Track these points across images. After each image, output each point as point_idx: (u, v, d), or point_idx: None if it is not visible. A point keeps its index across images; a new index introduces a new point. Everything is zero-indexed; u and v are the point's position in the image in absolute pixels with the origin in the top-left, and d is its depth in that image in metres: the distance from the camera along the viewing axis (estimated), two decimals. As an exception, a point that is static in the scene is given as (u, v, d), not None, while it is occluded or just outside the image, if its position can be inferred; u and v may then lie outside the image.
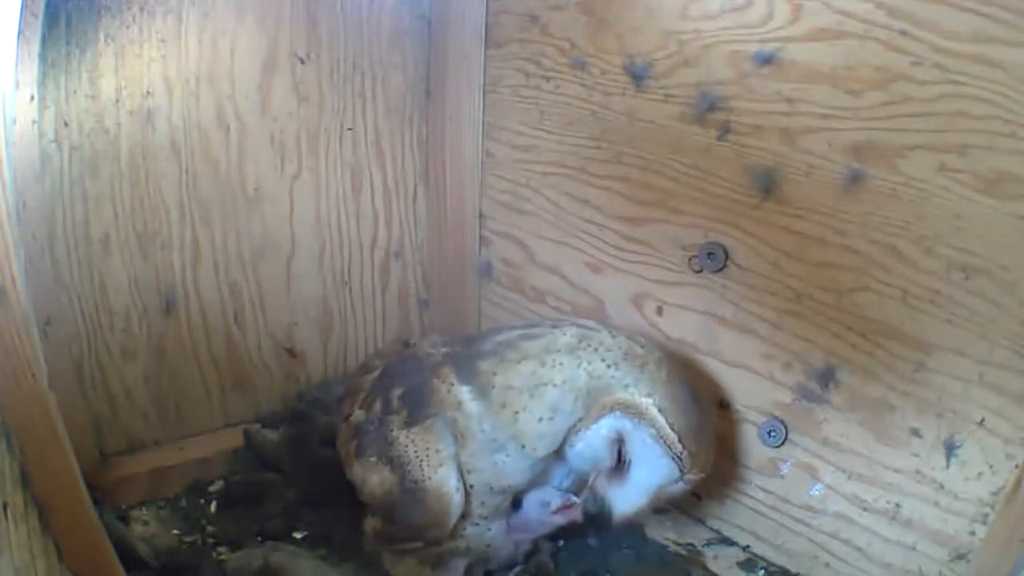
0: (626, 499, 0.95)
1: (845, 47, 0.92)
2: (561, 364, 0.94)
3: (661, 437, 0.91)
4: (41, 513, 0.84)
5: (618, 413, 0.92)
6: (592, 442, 0.94)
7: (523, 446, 0.95)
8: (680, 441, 0.91)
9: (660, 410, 0.91)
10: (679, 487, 0.95)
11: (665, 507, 1.23)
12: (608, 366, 0.94)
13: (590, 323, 1.00)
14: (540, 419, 0.94)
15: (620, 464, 0.94)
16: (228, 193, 1.26)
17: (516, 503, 1.03)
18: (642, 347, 0.96)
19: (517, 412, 0.94)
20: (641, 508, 0.96)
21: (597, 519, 1.00)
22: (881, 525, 1.00)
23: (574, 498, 1.02)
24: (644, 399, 0.92)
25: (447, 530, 0.96)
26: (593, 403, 0.93)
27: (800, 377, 1.05)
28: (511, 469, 0.96)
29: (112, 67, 1.10)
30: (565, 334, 0.97)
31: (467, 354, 1.00)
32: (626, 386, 0.93)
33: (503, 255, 1.43)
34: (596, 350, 0.95)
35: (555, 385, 0.94)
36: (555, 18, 1.24)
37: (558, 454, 0.97)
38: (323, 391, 1.40)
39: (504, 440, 0.95)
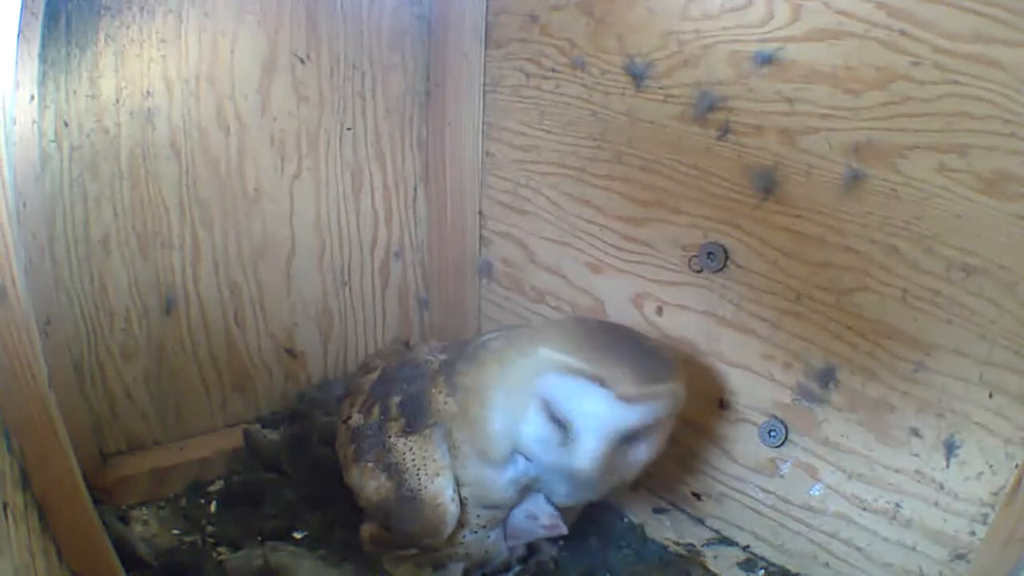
0: (584, 451, 0.88)
1: (845, 47, 0.92)
2: (491, 368, 0.94)
3: (566, 370, 0.87)
4: (41, 513, 0.84)
5: (531, 383, 0.90)
6: (530, 420, 0.90)
7: (484, 451, 0.93)
8: (587, 363, 0.86)
9: (554, 350, 0.88)
10: (627, 414, 0.87)
11: (665, 506, 1.24)
12: (518, 355, 0.92)
13: (521, 329, 1.00)
14: (486, 421, 0.93)
15: (564, 428, 0.90)
16: (228, 193, 1.26)
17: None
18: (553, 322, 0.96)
19: (471, 413, 0.94)
20: (600, 452, 0.87)
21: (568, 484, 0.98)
22: (881, 525, 1.00)
23: (559, 517, 1.00)
24: (543, 350, 0.89)
25: (443, 539, 0.96)
26: (516, 393, 0.91)
27: (800, 377, 1.05)
28: (493, 485, 0.95)
29: (112, 67, 1.11)
30: (498, 339, 0.98)
31: (453, 362, 1.00)
32: (526, 357, 0.91)
33: (503, 255, 1.43)
34: (512, 346, 0.94)
35: (491, 388, 0.93)
36: (555, 18, 1.24)
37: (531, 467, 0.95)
38: (323, 391, 1.40)
39: (478, 452, 0.94)
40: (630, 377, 0.86)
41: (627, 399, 0.86)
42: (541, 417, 0.89)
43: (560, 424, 0.88)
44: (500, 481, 0.95)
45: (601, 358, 0.87)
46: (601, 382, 0.85)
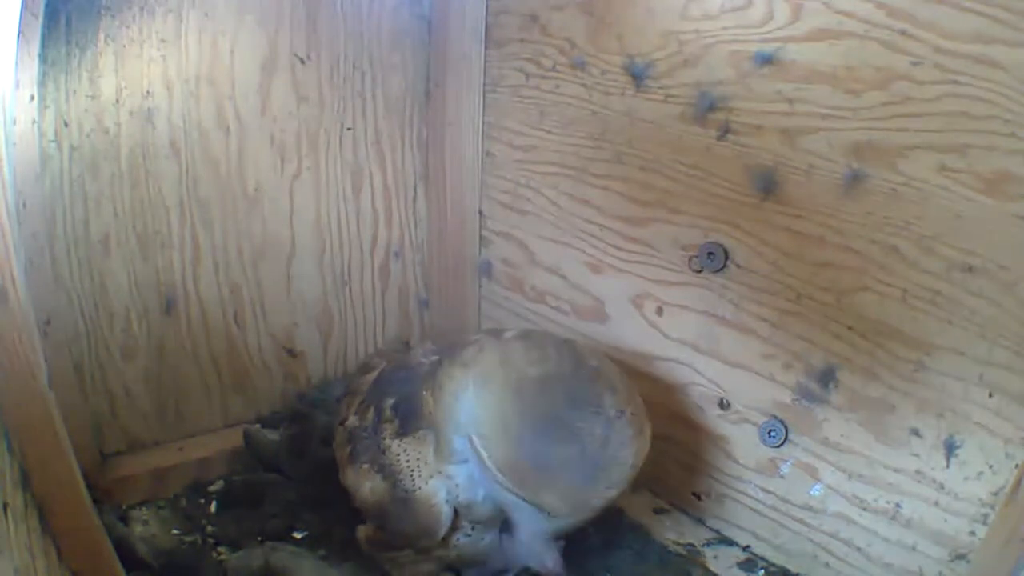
0: (520, 539, 0.95)
1: (845, 47, 0.92)
2: (452, 379, 0.94)
3: (494, 479, 0.88)
4: (41, 513, 0.84)
5: (467, 442, 0.91)
6: (475, 464, 0.93)
7: (439, 449, 0.94)
8: (511, 481, 0.86)
9: (485, 446, 0.88)
10: (563, 523, 0.92)
11: (665, 506, 1.24)
12: (465, 388, 0.92)
13: (508, 334, 0.98)
14: (442, 426, 0.94)
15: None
16: (228, 193, 1.26)
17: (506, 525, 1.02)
18: (503, 364, 0.92)
19: (436, 408, 0.95)
20: (540, 542, 0.94)
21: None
22: (881, 525, 1.00)
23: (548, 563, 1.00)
24: (474, 434, 0.89)
25: (437, 540, 0.96)
26: (462, 427, 0.92)
27: (800, 377, 1.05)
28: (465, 485, 0.94)
29: (112, 67, 1.11)
30: (469, 352, 0.96)
31: (439, 363, 1.00)
32: (469, 418, 0.91)
33: (503, 255, 1.43)
34: (468, 369, 0.93)
35: (445, 400, 0.94)
36: (555, 18, 1.24)
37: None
38: (323, 391, 1.40)
39: (435, 449, 0.95)
40: (564, 501, 0.87)
41: (561, 516, 0.89)
42: (485, 480, 0.92)
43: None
44: (475, 486, 0.95)
45: (530, 474, 0.86)
46: (535, 504, 0.87)
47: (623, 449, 0.89)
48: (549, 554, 0.97)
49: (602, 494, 0.87)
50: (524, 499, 0.87)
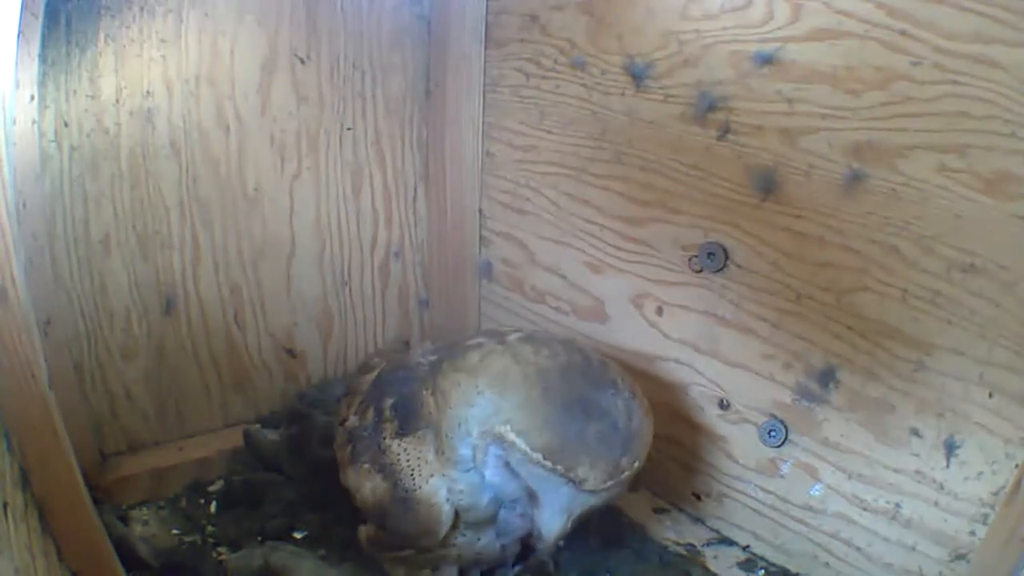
0: (548, 521, 0.92)
1: (845, 47, 0.92)
2: (458, 385, 0.93)
3: (530, 461, 0.87)
4: (41, 513, 0.84)
5: (492, 443, 0.90)
6: (492, 468, 0.92)
7: (441, 450, 0.94)
8: (547, 459, 0.86)
9: (519, 433, 0.87)
10: (595, 498, 0.91)
11: (665, 506, 1.24)
12: (479, 393, 0.91)
13: (511, 337, 0.97)
14: (448, 433, 0.93)
15: (529, 491, 0.92)
16: (228, 193, 1.26)
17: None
18: (518, 362, 0.92)
19: (436, 412, 0.94)
20: (564, 528, 0.92)
21: (534, 542, 0.98)
22: (881, 525, 1.00)
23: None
24: (502, 427, 0.88)
25: (438, 539, 0.96)
26: (476, 430, 0.91)
27: (800, 377, 1.05)
28: (469, 491, 0.94)
29: (112, 67, 1.11)
30: (472, 357, 0.95)
31: (439, 364, 1.00)
32: (489, 416, 0.90)
33: (503, 255, 1.43)
34: (477, 375, 0.92)
35: (451, 407, 0.93)
36: (555, 18, 1.24)
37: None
38: (323, 391, 1.40)
39: (436, 450, 0.95)
40: (597, 471, 0.87)
41: (597, 490, 0.88)
42: (504, 473, 0.92)
43: (523, 482, 0.91)
44: (477, 487, 0.94)
45: (563, 452, 0.86)
46: (566, 478, 0.87)
47: (643, 423, 0.93)
48: (558, 524, 0.96)
49: (630, 465, 0.90)
50: (562, 475, 0.87)
